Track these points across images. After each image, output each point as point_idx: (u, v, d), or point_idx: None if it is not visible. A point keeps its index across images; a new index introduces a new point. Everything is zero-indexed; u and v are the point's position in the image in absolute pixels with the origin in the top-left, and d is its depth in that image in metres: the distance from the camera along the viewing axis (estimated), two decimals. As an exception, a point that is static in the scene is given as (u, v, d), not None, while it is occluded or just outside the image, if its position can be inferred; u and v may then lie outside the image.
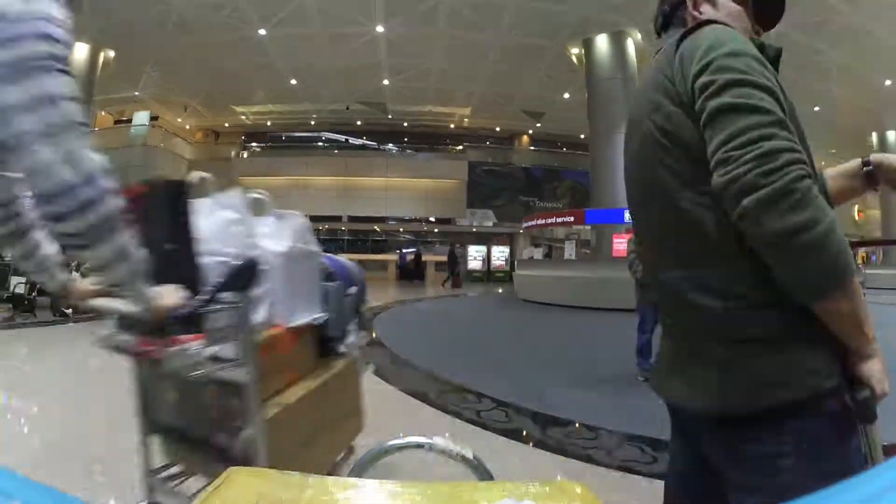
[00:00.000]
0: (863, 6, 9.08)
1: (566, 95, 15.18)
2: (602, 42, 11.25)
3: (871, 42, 10.37)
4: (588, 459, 2.29)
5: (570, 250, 13.46)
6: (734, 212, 0.65)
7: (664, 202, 0.78)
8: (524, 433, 2.67)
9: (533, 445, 2.48)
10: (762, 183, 0.61)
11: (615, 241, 10.33)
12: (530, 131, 20.33)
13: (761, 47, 0.75)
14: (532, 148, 21.01)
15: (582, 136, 17.66)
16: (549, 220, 14.35)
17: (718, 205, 0.69)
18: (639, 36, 10.85)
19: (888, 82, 12.18)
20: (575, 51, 12.18)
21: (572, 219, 13.19)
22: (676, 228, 0.77)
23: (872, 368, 0.68)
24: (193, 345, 1.08)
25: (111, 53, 12.44)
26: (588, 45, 11.50)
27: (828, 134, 15.61)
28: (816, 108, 13.77)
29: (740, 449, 0.73)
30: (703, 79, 0.70)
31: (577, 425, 2.73)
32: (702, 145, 0.71)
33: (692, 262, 0.76)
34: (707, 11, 0.86)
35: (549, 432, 2.64)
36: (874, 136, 15.75)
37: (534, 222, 14.68)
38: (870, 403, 0.68)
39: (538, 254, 14.99)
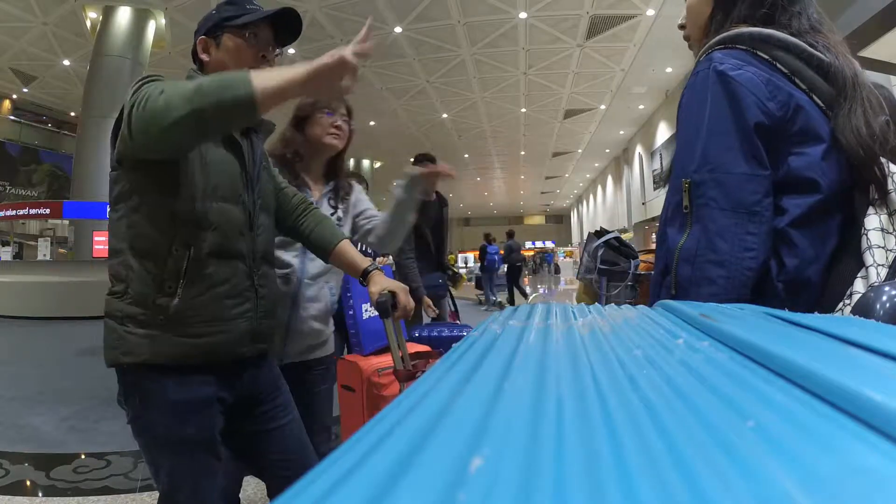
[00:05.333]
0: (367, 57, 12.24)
1: (67, 62, 12.77)
2: (124, 15, 10.32)
3: (367, 87, 13.40)
4: (106, 491, 2.09)
5: (44, 250, 11.26)
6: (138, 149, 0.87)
7: None
8: (28, 484, 2.17)
9: (43, 495, 2.08)
10: (140, 115, 0.82)
11: (96, 238, 9.27)
12: (14, 96, 15.67)
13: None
14: (13, 118, 16.21)
15: (73, 114, 15.22)
16: (22, 212, 11.36)
17: None
18: (163, 21, 10.61)
19: (371, 123, 16.27)
20: (93, 14, 10.59)
21: (48, 211, 10.81)
22: None
23: (403, 297, 1.13)
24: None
25: None
26: (108, 13, 10.27)
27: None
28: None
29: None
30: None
31: (83, 456, 2.45)
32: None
33: None
34: (213, 55, 1.09)
35: (54, 474, 2.25)
36: (351, 161, 21.00)
37: (1, 213, 11.57)
38: (383, 306, 1.11)
39: (6, 254, 11.90)
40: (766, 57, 0.71)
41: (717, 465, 0.15)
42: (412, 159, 2.59)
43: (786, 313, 0.38)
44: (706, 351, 0.29)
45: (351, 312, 2.01)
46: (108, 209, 1.00)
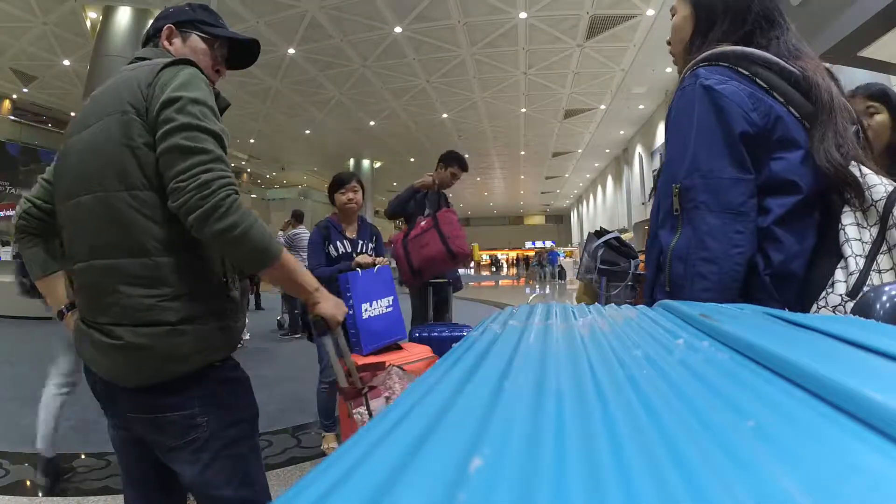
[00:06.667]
0: (367, 57, 11.93)
1: (66, 62, 12.77)
2: (124, 15, 10.33)
3: (367, 87, 13.43)
4: (106, 491, 2.10)
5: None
6: (187, 225, 0.83)
7: (102, 196, 0.87)
8: (28, 484, 2.16)
9: (43, 495, 2.07)
10: (200, 204, 0.81)
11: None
12: (14, 96, 15.70)
13: (217, 96, 0.95)
14: (13, 118, 16.22)
15: (73, 114, 15.33)
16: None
17: (147, 208, 0.86)
18: (163, 22, 10.60)
19: (371, 123, 16.14)
20: (93, 14, 10.62)
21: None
22: (107, 222, 0.87)
23: (320, 308, 1.00)
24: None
25: None
26: (108, 13, 10.30)
27: (312, 154, 20.07)
28: (307, 131, 16.90)
29: (159, 418, 0.89)
30: (167, 112, 0.85)
31: (83, 456, 2.47)
32: (149, 156, 0.86)
33: (117, 254, 0.87)
34: (177, 45, 1.06)
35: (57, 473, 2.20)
36: (351, 161, 20.45)
37: (2, 213, 11.76)
38: (321, 325, 1.01)
39: (6, 254, 11.96)
40: (747, 73, 0.77)
41: (717, 465, 0.15)
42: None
43: (786, 313, 0.38)
44: (706, 351, 0.29)
45: (350, 312, 2.01)
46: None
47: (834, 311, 0.67)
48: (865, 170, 0.71)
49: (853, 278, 0.66)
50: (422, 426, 0.19)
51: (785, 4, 1.58)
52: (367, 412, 1.23)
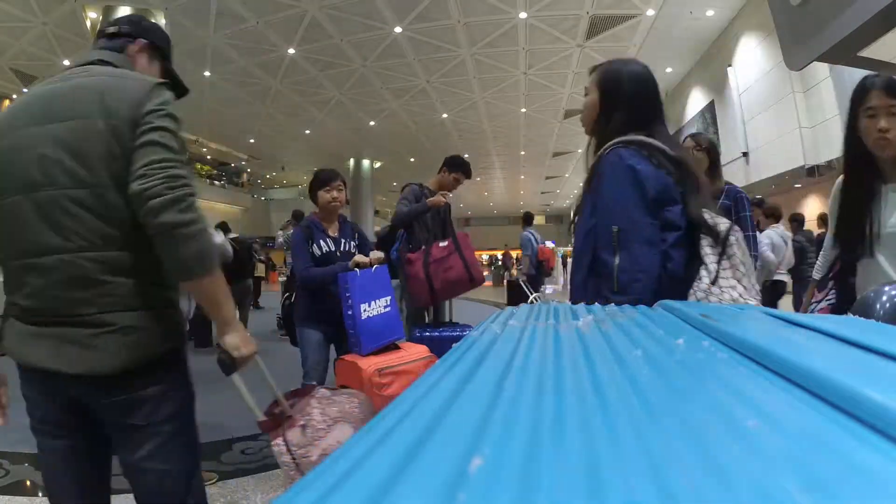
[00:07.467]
0: (367, 57, 11.90)
1: (66, 62, 12.78)
2: (122, 14, 10.38)
3: (367, 87, 13.42)
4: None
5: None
6: (142, 209, 0.87)
7: (97, 191, 0.91)
8: (28, 484, 2.19)
9: (43, 495, 2.10)
10: (166, 192, 0.86)
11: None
12: (14, 96, 15.69)
13: (177, 82, 1.10)
14: (10, 117, 16.20)
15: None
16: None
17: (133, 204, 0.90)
18: (163, 21, 10.60)
19: (371, 123, 16.17)
20: (93, 14, 10.62)
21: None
22: (93, 216, 0.91)
23: (227, 340, 0.98)
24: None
25: None
26: (108, 13, 10.30)
27: (312, 154, 20.03)
28: (307, 131, 16.94)
29: (135, 396, 0.95)
30: (149, 117, 0.93)
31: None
32: (122, 156, 0.91)
33: (104, 246, 0.92)
34: (143, 64, 1.14)
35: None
36: (351, 161, 20.48)
37: None
38: (226, 363, 0.99)
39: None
40: (645, 153, 1.20)
41: (718, 465, 0.15)
42: None
43: (786, 313, 0.38)
44: (706, 351, 0.29)
45: (350, 312, 2.01)
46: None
47: (705, 295, 1.07)
48: (715, 215, 1.17)
49: (711, 275, 1.11)
50: (422, 426, 0.19)
51: (784, 5, 1.59)
52: (284, 446, 1.19)
